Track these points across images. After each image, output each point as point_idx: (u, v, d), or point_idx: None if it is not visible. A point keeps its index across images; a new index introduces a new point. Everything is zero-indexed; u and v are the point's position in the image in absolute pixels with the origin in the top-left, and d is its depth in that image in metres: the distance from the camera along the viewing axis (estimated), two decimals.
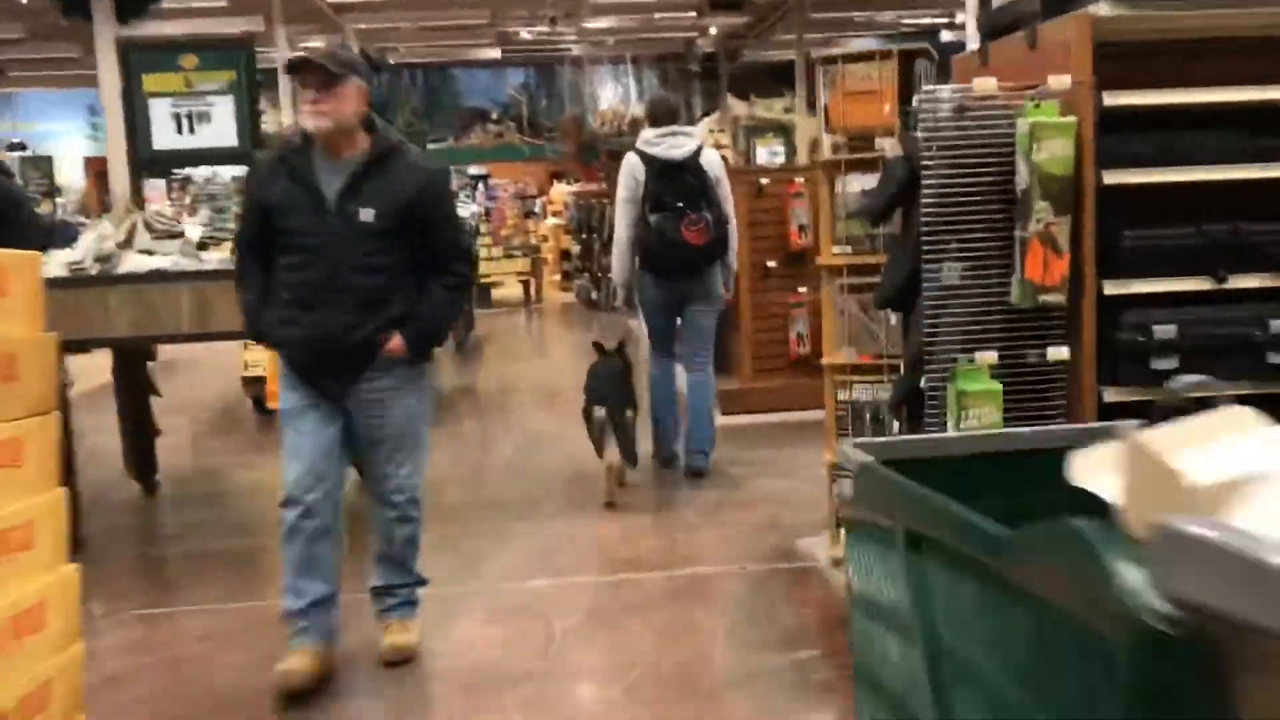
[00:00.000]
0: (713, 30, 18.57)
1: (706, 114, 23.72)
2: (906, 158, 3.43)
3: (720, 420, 6.52)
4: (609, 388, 5.32)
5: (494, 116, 23.81)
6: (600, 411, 5.22)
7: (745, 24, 18.81)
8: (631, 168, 5.50)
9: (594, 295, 14.60)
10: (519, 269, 16.10)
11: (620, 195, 5.57)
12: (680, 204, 5.33)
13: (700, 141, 5.64)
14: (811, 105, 23.13)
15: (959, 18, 18.65)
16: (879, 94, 4.15)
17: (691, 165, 5.41)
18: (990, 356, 3.17)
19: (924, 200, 3.16)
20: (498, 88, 23.79)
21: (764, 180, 7.50)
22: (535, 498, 5.82)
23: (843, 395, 4.30)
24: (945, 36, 19.12)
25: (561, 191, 18.70)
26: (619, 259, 5.66)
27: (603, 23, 17.84)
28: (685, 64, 23.00)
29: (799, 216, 7.18)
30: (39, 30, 15.42)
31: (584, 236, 15.66)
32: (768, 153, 12.43)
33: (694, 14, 14.69)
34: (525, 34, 18.45)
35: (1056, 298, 3.08)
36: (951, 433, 3.02)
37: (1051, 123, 3.01)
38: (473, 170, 17.40)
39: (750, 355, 7.44)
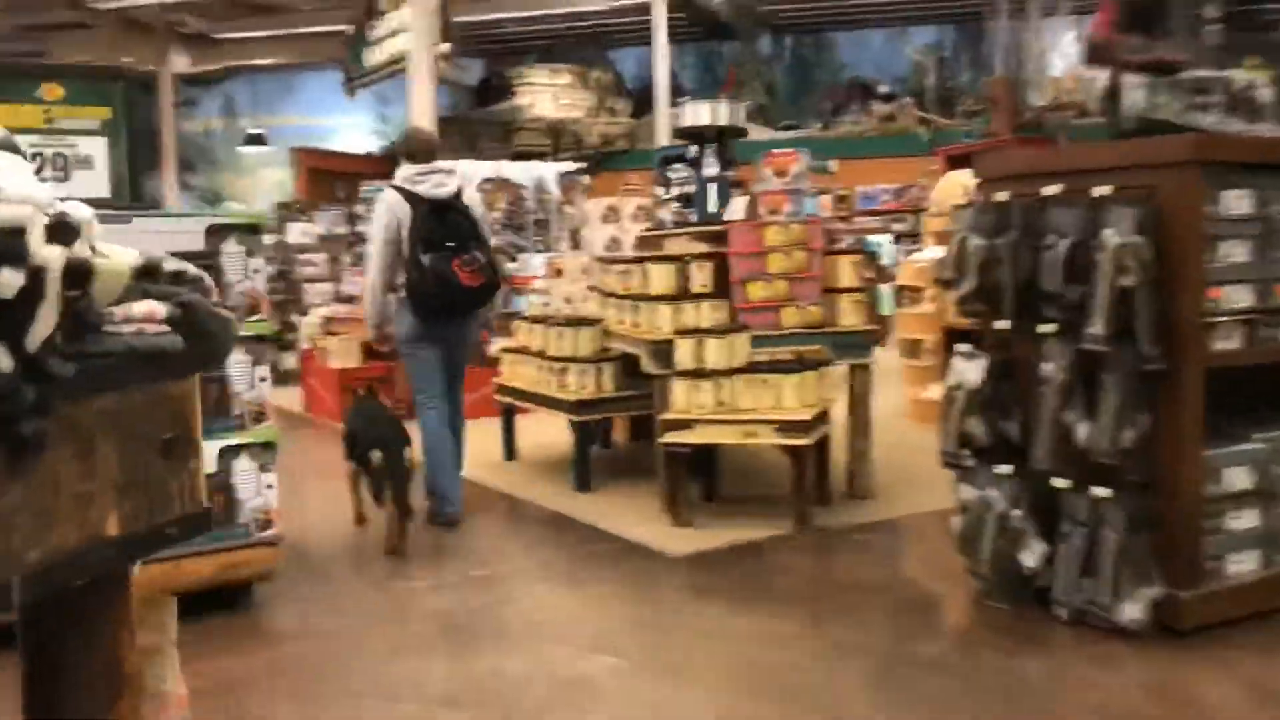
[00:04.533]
0: None
1: None
2: None
3: None
4: (386, 429, 5.09)
5: (883, 92, 16.42)
6: (377, 455, 4.98)
7: None
8: (391, 206, 5.33)
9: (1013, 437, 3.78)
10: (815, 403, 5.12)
11: (379, 235, 5.35)
12: (451, 244, 5.25)
13: (461, 181, 5.44)
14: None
15: None
16: None
17: (459, 204, 5.35)
18: None
19: None
20: (895, 56, 16.63)
21: None
22: None
23: None
24: None
25: (957, 186, 7.38)
26: (375, 303, 5.48)
27: None
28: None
29: None
30: None
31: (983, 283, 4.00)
32: None
33: None
34: None
35: None
36: None
37: None
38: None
39: None
